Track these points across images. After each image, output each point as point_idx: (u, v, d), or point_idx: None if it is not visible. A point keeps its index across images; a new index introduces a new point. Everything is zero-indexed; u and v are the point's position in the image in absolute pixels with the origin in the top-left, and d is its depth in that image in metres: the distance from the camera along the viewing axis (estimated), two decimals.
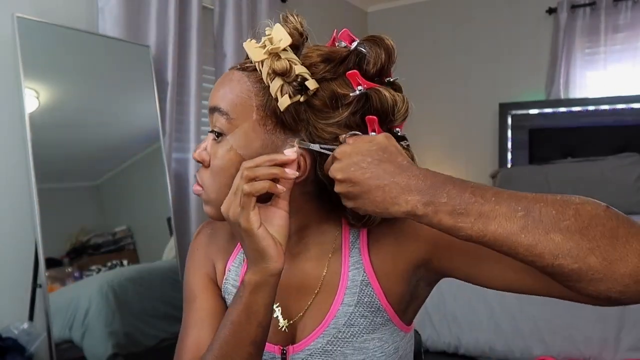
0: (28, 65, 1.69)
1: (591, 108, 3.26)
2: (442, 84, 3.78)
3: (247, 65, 0.63)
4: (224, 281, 0.74)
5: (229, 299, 0.73)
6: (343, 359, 0.63)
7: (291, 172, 0.58)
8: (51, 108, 1.80)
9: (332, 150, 0.59)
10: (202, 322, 0.69)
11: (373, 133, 0.60)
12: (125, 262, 1.95)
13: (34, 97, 1.74)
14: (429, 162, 3.83)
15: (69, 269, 1.77)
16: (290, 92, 0.58)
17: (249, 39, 0.62)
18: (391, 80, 0.63)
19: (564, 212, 0.47)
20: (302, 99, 0.59)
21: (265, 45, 0.58)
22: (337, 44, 0.64)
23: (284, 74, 0.57)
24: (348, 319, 0.64)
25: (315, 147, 0.60)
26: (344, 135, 0.59)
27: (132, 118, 2.11)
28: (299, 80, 0.58)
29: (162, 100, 2.19)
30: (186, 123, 2.39)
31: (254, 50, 0.59)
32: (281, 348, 0.67)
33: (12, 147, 1.77)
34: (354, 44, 0.62)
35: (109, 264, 1.90)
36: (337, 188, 0.56)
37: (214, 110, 0.63)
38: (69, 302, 1.75)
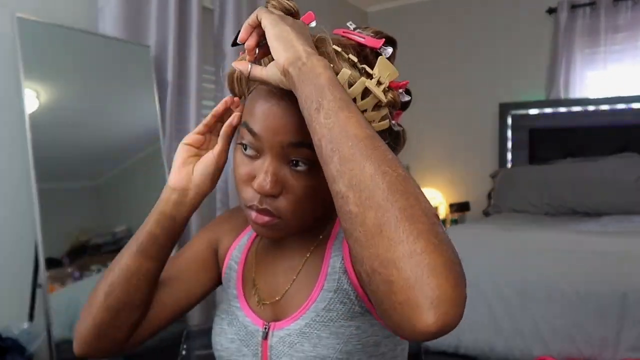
0: (28, 65, 1.69)
1: (591, 108, 3.26)
2: (442, 84, 3.78)
3: None
4: (227, 261, 0.79)
5: (229, 274, 0.78)
6: (318, 341, 0.64)
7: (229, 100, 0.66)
8: (51, 108, 1.80)
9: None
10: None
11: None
12: None
13: (34, 97, 1.74)
14: (429, 161, 3.83)
15: (69, 269, 1.77)
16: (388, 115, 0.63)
17: (366, 80, 0.59)
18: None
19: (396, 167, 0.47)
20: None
21: (379, 82, 0.59)
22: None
23: (392, 105, 0.61)
24: (327, 304, 0.65)
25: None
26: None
27: (132, 118, 2.11)
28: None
29: (162, 100, 2.20)
30: (186, 123, 2.39)
31: (378, 91, 0.59)
32: (265, 323, 0.69)
33: (12, 147, 1.78)
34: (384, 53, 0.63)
35: (109, 264, 1.89)
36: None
37: (301, 145, 0.59)
38: (69, 302, 1.75)
